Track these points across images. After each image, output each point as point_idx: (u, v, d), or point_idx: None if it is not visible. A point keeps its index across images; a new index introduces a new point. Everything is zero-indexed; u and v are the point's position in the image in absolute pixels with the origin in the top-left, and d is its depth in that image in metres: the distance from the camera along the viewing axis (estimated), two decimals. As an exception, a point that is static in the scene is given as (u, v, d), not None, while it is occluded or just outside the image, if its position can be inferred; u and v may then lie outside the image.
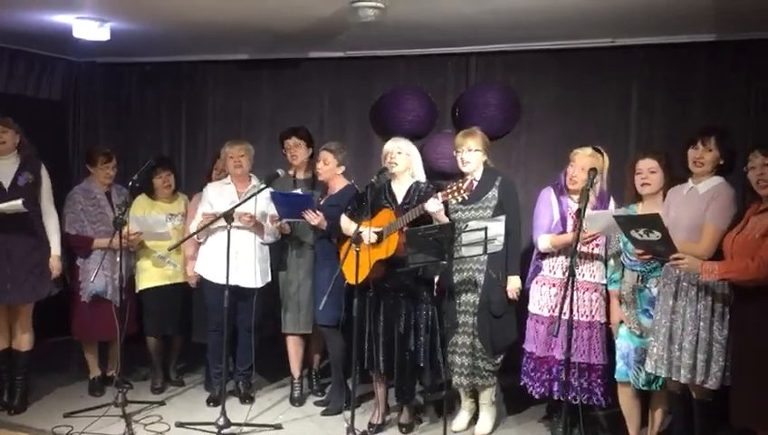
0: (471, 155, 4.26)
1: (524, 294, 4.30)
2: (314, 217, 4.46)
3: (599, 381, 4.09)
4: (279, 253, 4.88)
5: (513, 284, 4.24)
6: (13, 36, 5.39)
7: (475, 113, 5.24)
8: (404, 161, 4.27)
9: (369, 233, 4.06)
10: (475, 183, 4.13)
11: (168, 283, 5.06)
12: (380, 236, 4.10)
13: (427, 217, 4.01)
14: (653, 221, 3.37)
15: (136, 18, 4.78)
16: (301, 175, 4.95)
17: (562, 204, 4.15)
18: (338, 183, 4.66)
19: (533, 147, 5.42)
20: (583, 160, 4.07)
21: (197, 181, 5.45)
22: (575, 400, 4.02)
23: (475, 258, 4.18)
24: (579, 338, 4.04)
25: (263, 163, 5.16)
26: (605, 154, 4.13)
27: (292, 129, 5.00)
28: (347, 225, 4.32)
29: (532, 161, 5.40)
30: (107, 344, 5.13)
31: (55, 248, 4.65)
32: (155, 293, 5.04)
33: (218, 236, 4.63)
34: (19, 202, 4.35)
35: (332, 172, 4.62)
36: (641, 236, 3.43)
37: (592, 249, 4.09)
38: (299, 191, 4.74)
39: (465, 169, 4.26)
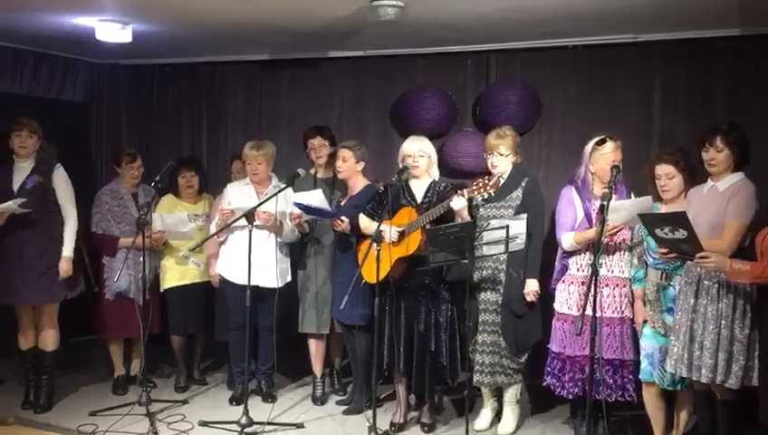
0: (501, 159, 4.26)
1: (549, 294, 4.26)
2: (340, 225, 4.46)
3: (630, 377, 4.04)
4: (298, 252, 4.89)
5: (530, 286, 4.20)
6: (36, 39, 5.44)
7: (496, 111, 5.21)
8: (425, 163, 4.27)
9: (390, 231, 4.05)
10: (502, 181, 4.13)
11: (192, 282, 5.10)
12: (402, 234, 4.10)
13: (448, 216, 3.99)
14: (679, 219, 3.33)
15: (157, 20, 4.82)
16: (321, 174, 4.95)
17: (585, 201, 4.11)
18: (358, 182, 4.65)
19: (554, 144, 5.36)
20: (610, 158, 3.98)
21: (218, 181, 5.46)
22: (610, 398, 3.98)
23: (495, 257, 4.16)
24: (611, 335, 4.00)
25: (283, 163, 5.17)
26: (617, 140, 4.07)
27: (317, 128, 4.99)
28: (367, 223, 4.30)
29: (553, 159, 5.35)
30: (131, 343, 5.17)
31: (67, 250, 4.60)
32: (179, 292, 5.08)
33: (238, 237, 4.64)
34: (10, 203, 4.35)
35: (352, 170, 4.60)
36: (666, 234, 3.39)
37: (619, 243, 4.04)
38: (321, 196, 4.56)
39: (494, 172, 4.22)
